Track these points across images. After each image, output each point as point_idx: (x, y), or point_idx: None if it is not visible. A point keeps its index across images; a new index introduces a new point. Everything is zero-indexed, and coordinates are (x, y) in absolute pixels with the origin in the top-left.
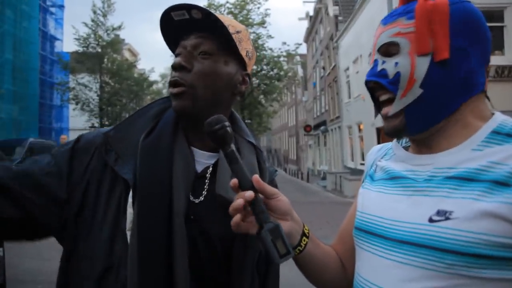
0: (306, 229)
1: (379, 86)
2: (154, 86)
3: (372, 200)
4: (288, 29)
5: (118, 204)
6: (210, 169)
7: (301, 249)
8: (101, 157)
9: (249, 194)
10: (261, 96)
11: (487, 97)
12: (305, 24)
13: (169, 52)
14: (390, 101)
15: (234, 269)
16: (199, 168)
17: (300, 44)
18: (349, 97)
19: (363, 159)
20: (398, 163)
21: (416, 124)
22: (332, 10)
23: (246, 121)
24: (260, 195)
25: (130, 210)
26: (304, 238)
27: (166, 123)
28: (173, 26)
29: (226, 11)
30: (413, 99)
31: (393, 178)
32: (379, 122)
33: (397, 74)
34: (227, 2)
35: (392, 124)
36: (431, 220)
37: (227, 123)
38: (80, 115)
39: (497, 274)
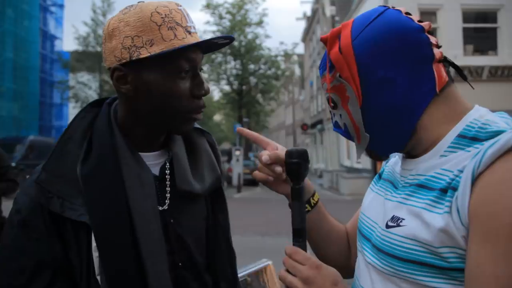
0: (313, 200)
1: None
2: None
3: (369, 201)
4: (286, 29)
5: (87, 252)
6: (168, 170)
7: None
8: (48, 211)
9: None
10: (259, 95)
11: (463, 77)
12: (302, 24)
13: None
14: None
15: (211, 251)
16: (155, 171)
17: (298, 44)
18: None
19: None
20: (397, 165)
21: (386, 151)
22: (329, 10)
23: (243, 119)
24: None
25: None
26: (306, 205)
27: (101, 141)
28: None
29: (225, 11)
30: (367, 142)
31: (386, 180)
32: None
33: (345, 125)
34: (225, 1)
35: (369, 156)
36: (387, 226)
37: (308, 160)
38: None
39: (437, 283)
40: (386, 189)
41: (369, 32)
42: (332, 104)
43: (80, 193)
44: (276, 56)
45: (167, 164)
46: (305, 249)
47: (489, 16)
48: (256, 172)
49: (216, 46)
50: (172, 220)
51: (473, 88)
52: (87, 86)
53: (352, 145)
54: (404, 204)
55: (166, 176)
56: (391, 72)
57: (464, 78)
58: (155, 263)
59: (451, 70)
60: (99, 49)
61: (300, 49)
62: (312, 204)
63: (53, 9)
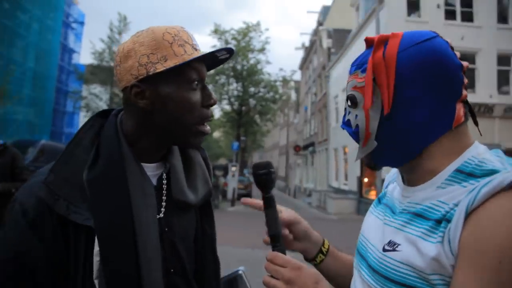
0: (324, 248)
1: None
2: None
3: (368, 223)
4: (285, 57)
5: (85, 256)
6: (165, 181)
7: (316, 263)
8: (53, 213)
9: (275, 256)
10: (257, 116)
11: (476, 123)
12: (300, 53)
13: None
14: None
15: (198, 260)
16: (154, 181)
17: (295, 71)
18: (337, 122)
19: (346, 179)
20: (395, 191)
21: (383, 163)
22: (326, 42)
23: (241, 138)
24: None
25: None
26: (320, 255)
27: (109, 149)
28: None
29: (231, 37)
30: (371, 149)
31: (385, 205)
32: None
33: (357, 127)
34: (232, 28)
35: (365, 161)
36: (384, 249)
37: (273, 170)
38: None
39: None
40: (385, 213)
41: (417, 51)
42: (349, 104)
43: (84, 197)
44: (275, 81)
45: (164, 175)
46: (284, 253)
47: (468, 58)
48: (264, 239)
49: (219, 62)
50: (166, 229)
51: (477, 126)
52: (99, 97)
53: (340, 168)
54: (401, 230)
55: (163, 186)
56: (424, 95)
57: (474, 119)
58: (151, 269)
59: None
60: (112, 64)
61: (297, 76)
62: (325, 252)
63: (74, 25)
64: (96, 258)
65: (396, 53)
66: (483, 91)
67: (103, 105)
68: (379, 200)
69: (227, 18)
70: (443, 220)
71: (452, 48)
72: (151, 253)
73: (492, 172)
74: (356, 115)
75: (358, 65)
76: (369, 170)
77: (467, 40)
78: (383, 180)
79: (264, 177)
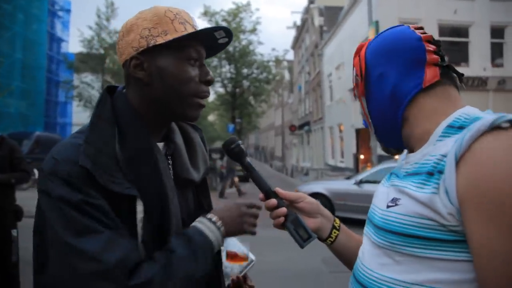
0: (336, 223)
1: None
2: None
3: (377, 193)
4: (277, 36)
5: (130, 224)
6: (170, 161)
7: (332, 240)
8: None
9: (272, 202)
10: (251, 97)
11: (460, 80)
12: (292, 32)
13: None
14: None
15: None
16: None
17: (288, 51)
18: (331, 100)
19: (342, 157)
20: (402, 161)
21: (389, 144)
22: (318, 20)
23: (236, 120)
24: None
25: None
26: (334, 230)
27: (133, 125)
28: (202, 38)
29: (221, 18)
30: (375, 131)
31: (393, 174)
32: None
33: (363, 115)
34: (222, 10)
35: (381, 146)
36: (387, 206)
37: (240, 142)
38: (83, 111)
39: (423, 253)
40: (390, 181)
41: (375, 41)
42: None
43: (119, 168)
44: (267, 61)
45: (168, 155)
46: (281, 205)
47: (461, 31)
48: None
49: (218, 47)
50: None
51: (464, 87)
52: (90, 86)
53: (336, 145)
54: (402, 187)
55: (169, 166)
56: (386, 69)
57: (461, 80)
58: (179, 230)
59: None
60: (102, 51)
61: (290, 55)
62: (338, 227)
63: (60, 13)
64: (139, 224)
65: (365, 50)
66: (477, 64)
67: (95, 94)
68: (390, 174)
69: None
70: (435, 172)
71: (419, 28)
72: (177, 218)
73: (477, 119)
74: (360, 107)
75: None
76: (365, 147)
77: (460, 14)
78: (378, 156)
79: (236, 150)
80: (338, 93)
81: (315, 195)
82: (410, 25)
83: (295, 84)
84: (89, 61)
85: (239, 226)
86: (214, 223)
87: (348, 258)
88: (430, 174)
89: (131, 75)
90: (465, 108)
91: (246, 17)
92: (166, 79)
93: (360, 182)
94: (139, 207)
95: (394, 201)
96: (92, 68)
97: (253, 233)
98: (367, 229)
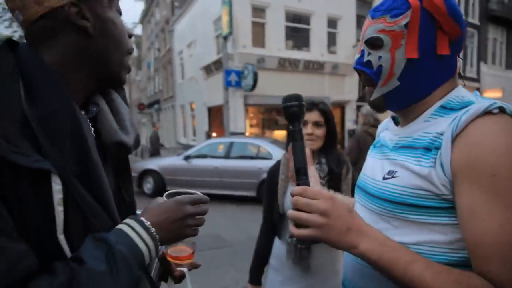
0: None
1: (364, 73)
2: None
3: (366, 164)
4: (124, 10)
5: (42, 206)
6: (92, 128)
7: None
8: None
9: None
10: None
11: (461, 76)
12: (141, 5)
13: None
14: (373, 85)
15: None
16: None
17: (136, 24)
18: (183, 78)
19: (195, 135)
20: (387, 133)
21: (393, 104)
22: None
23: None
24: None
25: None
26: None
27: (47, 80)
28: None
29: None
30: (391, 89)
31: (379, 146)
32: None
33: (380, 67)
34: None
35: (375, 101)
36: (384, 178)
37: (303, 103)
38: None
39: (419, 218)
40: (381, 152)
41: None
42: (370, 46)
43: (25, 136)
44: None
45: (90, 120)
46: (309, 186)
47: (303, 19)
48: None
49: None
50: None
51: (461, 77)
52: None
53: (188, 124)
54: (397, 160)
55: (92, 134)
56: (446, 45)
57: (460, 76)
58: (114, 209)
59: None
60: None
61: (139, 30)
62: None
63: None
64: (59, 208)
65: (443, 2)
66: (316, 50)
67: None
68: (374, 146)
69: None
70: (433, 148)
71: None
72: (111, 200)
73: (469, 103)
74: (380, 57)
75: (387, 10)
76: (216, 125)
77: (304, 2)
78: (230, 134)
79: (295, 109)
80: (190, 71)
81: (148, 171)
82: None
83: (144, 60)
84: None
85: (179, 231)
86: (147, 229)
87: None
88: (428, 149)
89: (67, 25)
90: (456, 91)
91: None
92: (112, 32)
93: (188, 158)
94: (56, 186)
95: (391, 174)
96: None
97: (195, 234)
98: (359, 197)
